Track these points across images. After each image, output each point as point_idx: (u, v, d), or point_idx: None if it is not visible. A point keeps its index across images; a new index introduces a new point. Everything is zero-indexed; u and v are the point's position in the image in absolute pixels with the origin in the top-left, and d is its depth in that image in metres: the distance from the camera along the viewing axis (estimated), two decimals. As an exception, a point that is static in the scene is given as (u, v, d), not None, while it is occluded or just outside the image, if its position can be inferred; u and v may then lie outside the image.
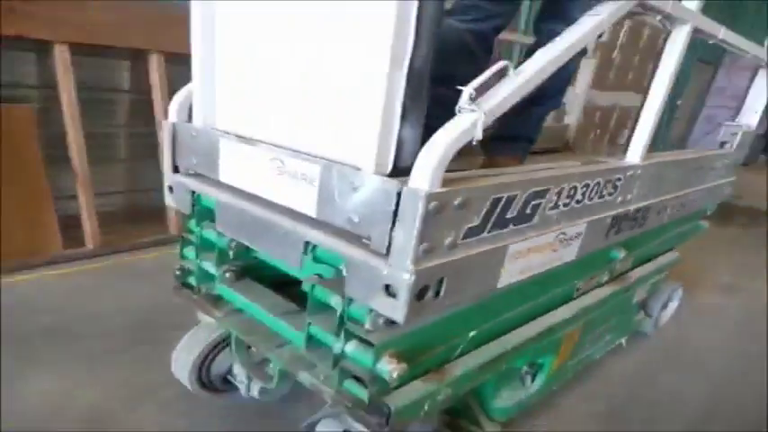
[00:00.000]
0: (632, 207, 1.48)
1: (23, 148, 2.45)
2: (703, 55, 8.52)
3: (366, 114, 0.88)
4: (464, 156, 0.96)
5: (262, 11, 1.07)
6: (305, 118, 1.02)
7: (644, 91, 7.83)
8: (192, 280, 1.44)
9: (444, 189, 0.85)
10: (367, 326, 0.98)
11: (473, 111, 0.85)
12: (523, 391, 1.59)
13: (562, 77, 1.61)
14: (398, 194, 0.84)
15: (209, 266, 1.34)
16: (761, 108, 2.11)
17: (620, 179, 1.35)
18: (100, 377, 1.80)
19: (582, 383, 2.00)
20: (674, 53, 1.32)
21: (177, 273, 1.48)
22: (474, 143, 0.86)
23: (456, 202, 0.88)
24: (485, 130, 0.87)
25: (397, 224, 0.85)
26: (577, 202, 1.22)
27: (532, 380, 1.61)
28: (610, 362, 2.16)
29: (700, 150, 2.02)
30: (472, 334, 1.22)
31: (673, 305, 2.60)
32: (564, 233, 1.22)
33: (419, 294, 0.89)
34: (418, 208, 0.82)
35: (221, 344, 1.58)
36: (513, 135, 1.62)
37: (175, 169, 1.36)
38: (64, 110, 2.55)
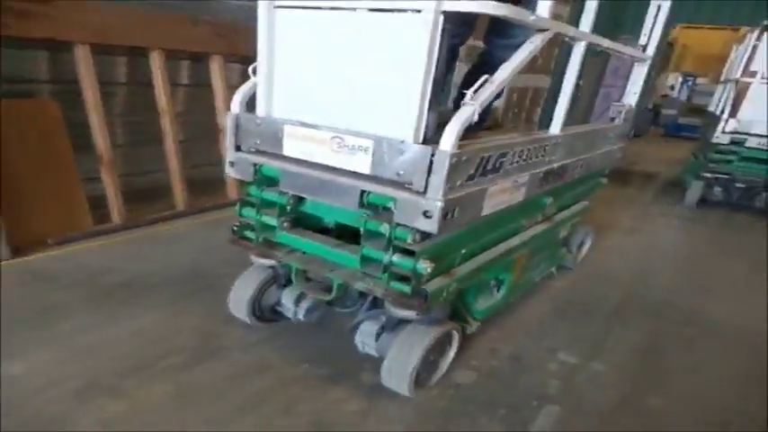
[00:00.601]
0: (555, 165, 2.14)
1: (54, 138, 2.81)
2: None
3: (408, 106, 1.43)
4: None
5: (324, 33, 1.59)
6: (358, 109, 1.56)
7: (551, 73, 8.94)
8: (248, 233, 1.94)
9: (459, 150, 1.43)
10: (409, 241, 1.55)
11: (472, 104, 1.44)
12: (493, 299, 2.22)
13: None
14: (432, 154, 1.41)
15: (270, 219, 1.85)
16: (638, 91, 2.86)
17: (547, 145, 1.99)
18: (187, 312, 2.28)
19: (532, 295, 2.71)
20: (576, 59, 1.98)
21: (235, 228, 1.96)
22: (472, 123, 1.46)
23: (464, 159, 1.46)
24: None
25: (432, 173, 1.42)
26: (524, 160, 1.85)
27: (498, 291, 2.25)
28: (548, 284, 2.89)
29: (597, 124, 2.76)
30: (463, 251, 1.83)
31: (587, 245, 3.36)
32: (516, 181, 1.85)
33: (444, 216, 1.47)
34: (446, 162, 1.40)
35: (268, 282, 2.09)
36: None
37: (237, 148, 1.86)
38: (88, 101, 2.91)
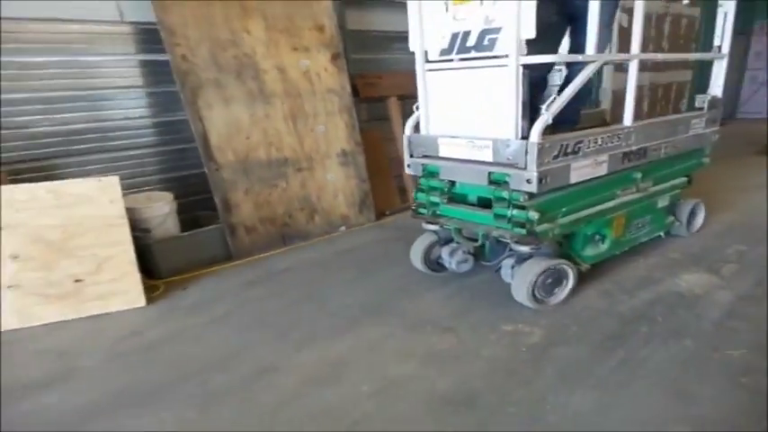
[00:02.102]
0: (633, 147, 2.95)
1: (381, 154, 4.64)
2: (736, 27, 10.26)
3: (509, 118, 2.45)
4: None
5: (456, 81, 2.69)
6: (480, 123, 2.61)
7: (692, 68, 9.38)
8: (422, 210, 3.06)
9: (542, 141, 2.40)
10: (521, 200, 2.53)
11: (545, 114, 2.40)
12: (599, 249, 3.06)
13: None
14: (527, 145, 2.40)
15: (436, 198, 2.95)
16: (721, 84, 3.49)
17: (619, 134, 2.83)
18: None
19: (644, 250, 3.47)
20: (632, 72, 2.81)
21: (413, 208, 3.11)
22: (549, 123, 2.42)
23: (547, 146, 2.43)
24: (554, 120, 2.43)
25: (528, 155, 2.41)
26: (599, 145, 2.72)
27: (602, 243, 3.08)
28: (659, 243, 3.59)
29: (675, 116, 3.43)
30: (564, 209, 2.74)
31: (699, 216, 3.92)
32: (596, 159, 2.73)
33: (540, 181, 2.43)
34: (535, 149, 2.38)
35: (433, 242, 3.19)
36: (564, 120, 3.15)
37: (411, 156, 3.01)
38: (395, 129, 4.78)
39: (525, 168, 2.45)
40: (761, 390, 2.03)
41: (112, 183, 2.94)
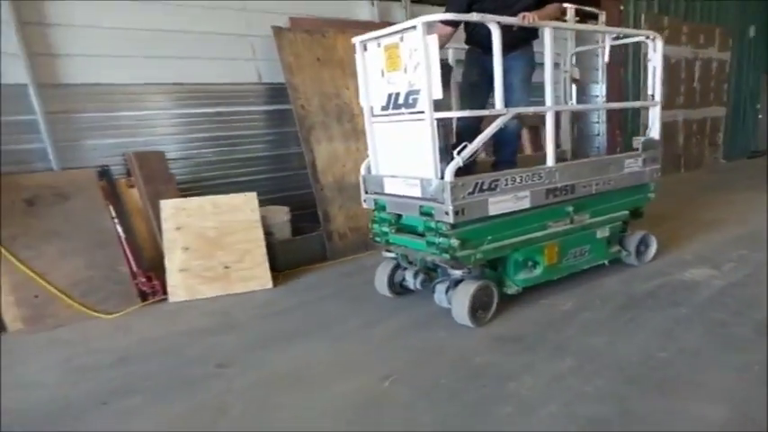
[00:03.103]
0: (559, 185, 3.39)
1: None
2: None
3: (429, 162, 2.98)
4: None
5: (393, 131, 3.25)
6: (412, 165, 3.15)
7: (725, 105, 10.88)
8: (377, 239, 3.59)
9: (454, 180, 2.91)
10: (444, 229, 3.02)
11: (456, 158, 2.92)
12: (531, 274, 3.47)
13: (506, 140, 3.63)
14: (443, 183, 2.92)
15: (385, 229, 3.48)
16: (658, 128, 3.89)
17: (541, 173, 3.29)
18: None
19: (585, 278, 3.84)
20: (548, 121, 3.29)
21: (370, 236, 3.64)
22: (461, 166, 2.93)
23: (461, 184, 2.93)
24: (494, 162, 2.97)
25: (444, 192, 2.92)
26: (518, 182, 3.19)
27: (534, 268, 3.49)
28: (603, 271, 3.94)
29: (604, 156, 3.84)
30: (489, 237, 3.20)
31: (652, 248, 4.25)
32: (516, 195, 3.20)
33: (456, 213, 2.93)
34: (448, 186, 2.89)
35: (395, 267, 3.69)
36: (501, 161, 3.65)
37: (365, 192, 3.56)
38: None
39: (444, 203, 2.95)
40: (732, 334, 2.88)
41: (252, 197, 4.17)
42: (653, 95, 3.88)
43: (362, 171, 3.59)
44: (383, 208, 3.47)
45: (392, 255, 3.62)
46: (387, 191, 3.39)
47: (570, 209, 3.56)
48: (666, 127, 9.07)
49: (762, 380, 2.38)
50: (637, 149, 3.92)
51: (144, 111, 4.43)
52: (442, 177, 2.96)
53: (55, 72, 4.00)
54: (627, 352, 2.74)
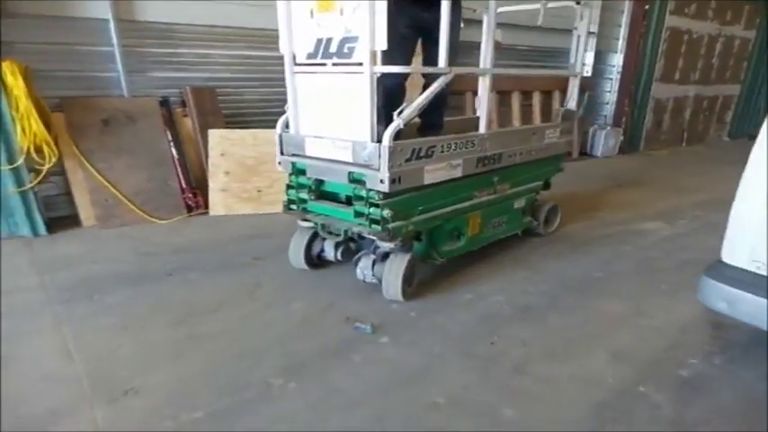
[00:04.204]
0: (489, 153, 3.24)
1: None
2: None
3: (365, 123, 2.62)
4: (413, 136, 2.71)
5: (321, 84, 2.83)
6: (342, 125, 2.77)
7: (741, 82, 10.86)
8: (292, 206, 3.18)
9: (392, 144, 2.60)
10: (376, 199, 2.72)
11: (397, 120, 2.60)
12: (455, 245, 3.32)
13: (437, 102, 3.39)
14: (380, 148, 2.59)
15: (304, 195, 3.08)
16: (576, 99, 3.89)
17: (474, 141, 3.10)
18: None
19: (502, 245, 3.85)
20: (483, 89, 3.09)
21: (284, 203, 3.21)
22: (402, 128, 2.62)
23: (399, 149, 2.63)
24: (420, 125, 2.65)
25: (381, 158, 2.60)
26: (453, 150, 2.97)
27: (458, 239, 3.35)
28: (517, 240, 3.96)
29: (529, 126, 3.79)
30: (420, 207, 2.96)
31: (557, 218, 4.34)
32: (450, 163, 2.98)
33: (392, 182, 2.63)
34: (386, 151, 2.57)
35: (313, 237, 3.31)
36: (429, 126, 3.40)
37: (281, 153, 3.11)
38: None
39: (379, 169, 2.63)
40: (656, 266, 3.65)
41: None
42: (574, 65, 3.85)
43: (278, 129, 3.12)
44: (302, 172, 3.05)
45: (309, 224, 3.24)
46: (308, 153, 2.98)
47: (495, 179, 3.45)
48: (676, 102, 9.60)
49: (660, 291, 3.28)
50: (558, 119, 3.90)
51: (201, 50, 4.91)
52: (379, 141, 2.64)
53: (132, 10, 4.47)
54: (571, 271, 3.56)
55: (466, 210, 3.27)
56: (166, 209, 4.49)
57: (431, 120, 3.47)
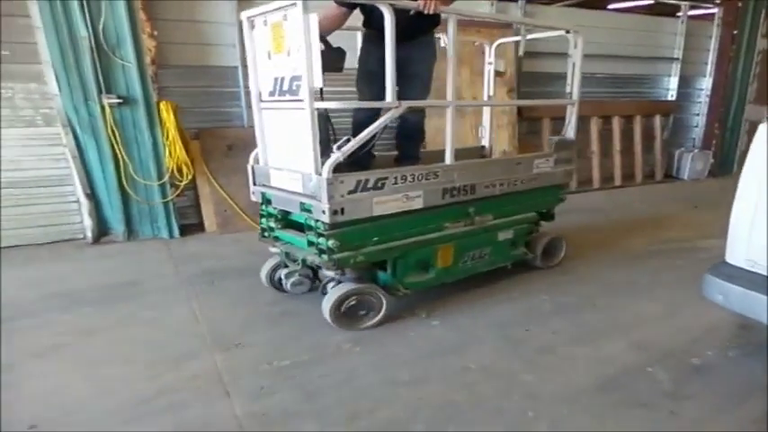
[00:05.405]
0: (457, 184, 3.21)
1: None
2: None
3: (309, 156, 2.74)
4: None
5: (280, 120, 2.99)
6: (295, 158, 2.90)
7: None
8: (265, 234, 3.35)
9: (332, 177, 2.68)
10: (321, 229, 2.81)
11: (337, 153, 2.69)
12: (423, 277, 3.30)
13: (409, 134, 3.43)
14: (320, 180, 2.69)
15: (272, 224, 3.24)
16: (573, 127, 3.75)
17: (437, 172, 3.10)
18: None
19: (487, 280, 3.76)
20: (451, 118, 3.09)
21: (260, 229, 3.39)
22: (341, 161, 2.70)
23: (340, 181, 2.71)
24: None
25: (321, 190, 2.70)
26: (410, 181, 2.99)
27: (427, 271, 3.33)
28: (508, 273, 3.82)
29: (511, 157, 3.67)
30: (375, 239, 3.00)
31: (561, 253, 4.15)
32: (407, 195, 3.00)
33: (333, 213, 2.71)
34: (325, 183, 2.66)
35: (277, 264, 3.46)
36: (404, 156, 3.43)
37: (254, 183, 3.30)
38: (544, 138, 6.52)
39: (320, 201, 2.73)
40: (697, 276, 2.97)
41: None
42: (570, 94, 3.72)
43: (251, 161, 3.32)
44: (269, 202, 3.22)
45: (276, 250, 3.38)
46: (273, 184, 3.15)
47: (471, 210, 3.40)
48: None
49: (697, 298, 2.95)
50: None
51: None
52: (319, 173, 2.73)
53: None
54: (616, 278, 3.88)
55: (432, 241, 3.25)
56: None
57: (406, 152, 3.52)
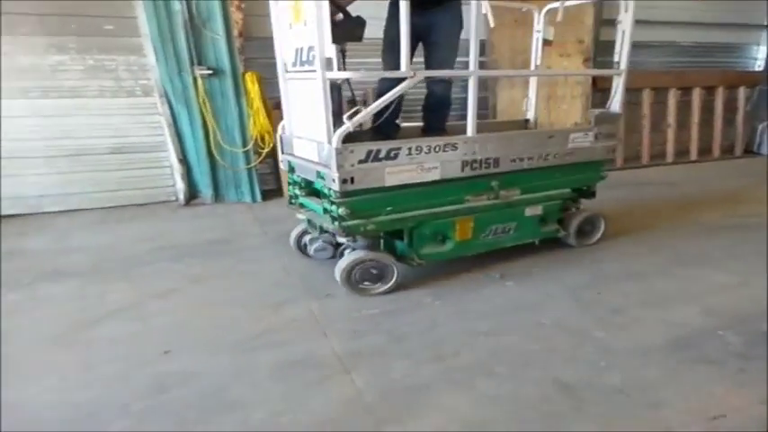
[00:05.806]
0: (478, 156, 3.16)
1: None
2: None
3: (322, 125, 2.81)
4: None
5: (301, 89, 3.08)
6: (312, 127, 2.99)
7: None
8: (293, 201, 3.50)
9: (341, 146, 2.74)
10: (333, 197, 2.90)
11: (346, 123, 2.74)
12: (439, 249, 3.31)
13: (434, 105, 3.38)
14: (330, 149, 2.76)
15: (297, 191, 3.38)
16: (620, 100, 3.54)
17: (456, 144, 3.06)
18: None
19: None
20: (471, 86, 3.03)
21: (289, 196, 3.54)
22: (352, 131, 2.75)
23: (350, 151, 2.77)
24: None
25: (331, 158, 2.77)
26: (426, 153, 2.98)
27: (443, 243, 3.33)
28: (536, 248, 3.75)
29: (541, 129, 3.51)
30: (388, 208, 3.05)
31: (598, 231, 3.97)
32: (422, 165, 3.00)
33: (343, 182, 2.79)
34: (334, 152, 2.74)
35: (303, 230, 3.60)
36: (428, 129, 3.42)
37: (282, 152, 3.44)
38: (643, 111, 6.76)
39: (331, 169, 2.81)
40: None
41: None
42: (618, 63, 3.50)
43: (279, 131, 3.45)
44: (294, 170, 3.35)
45: (302, 217, 3.51)
46: (295, 152, 3.27)
47: (494, 183, 3.34)
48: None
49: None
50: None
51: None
52: (330, 142, 2.80)
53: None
54: (691, 250, 3.87)
55: (450, 213, 3.24)
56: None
57: (431, 123, 3.50)
